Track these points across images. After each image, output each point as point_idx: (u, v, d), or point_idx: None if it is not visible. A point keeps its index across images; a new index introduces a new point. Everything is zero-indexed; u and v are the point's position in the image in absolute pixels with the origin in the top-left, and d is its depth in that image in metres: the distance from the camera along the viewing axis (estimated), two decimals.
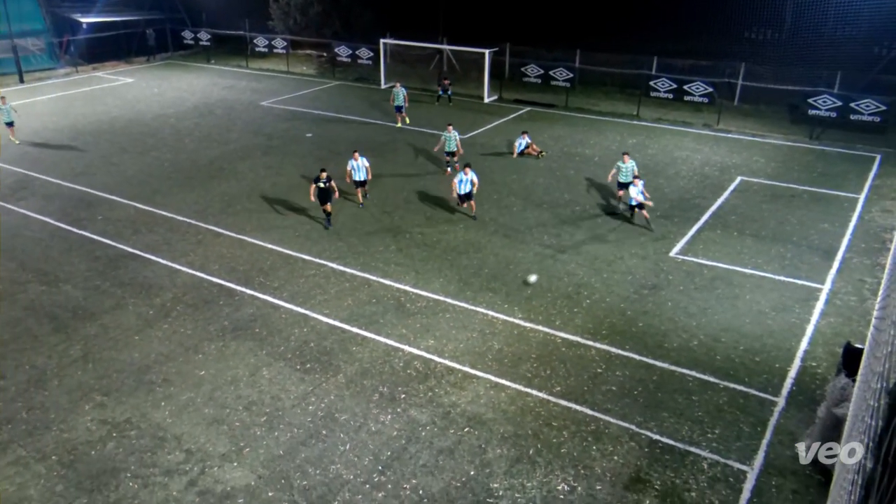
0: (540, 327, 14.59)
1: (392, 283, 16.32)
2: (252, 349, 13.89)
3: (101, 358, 13.63)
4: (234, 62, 44.92)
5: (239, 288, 16.18)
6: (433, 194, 21.79)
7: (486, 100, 34.53)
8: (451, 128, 23.18)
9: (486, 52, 34.02)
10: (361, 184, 20.68)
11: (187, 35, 48.26)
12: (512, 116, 31.54)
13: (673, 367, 13.30)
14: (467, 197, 19.77)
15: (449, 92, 34.04)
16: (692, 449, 11.27)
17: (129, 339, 14.27)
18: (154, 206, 20.97)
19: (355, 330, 14.51)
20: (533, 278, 16.37)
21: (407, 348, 13.86)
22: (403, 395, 12.52)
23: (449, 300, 15.66)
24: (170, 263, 17.34)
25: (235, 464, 10.95)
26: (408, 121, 29.80)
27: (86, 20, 44.49)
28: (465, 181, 19.49)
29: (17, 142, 26.48)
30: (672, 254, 17.88)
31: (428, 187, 22.41)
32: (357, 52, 40.71)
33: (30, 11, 42.83)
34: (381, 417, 11.96)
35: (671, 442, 11.41)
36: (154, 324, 14.80)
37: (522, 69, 35.96)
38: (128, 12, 47.51)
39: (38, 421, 11.91)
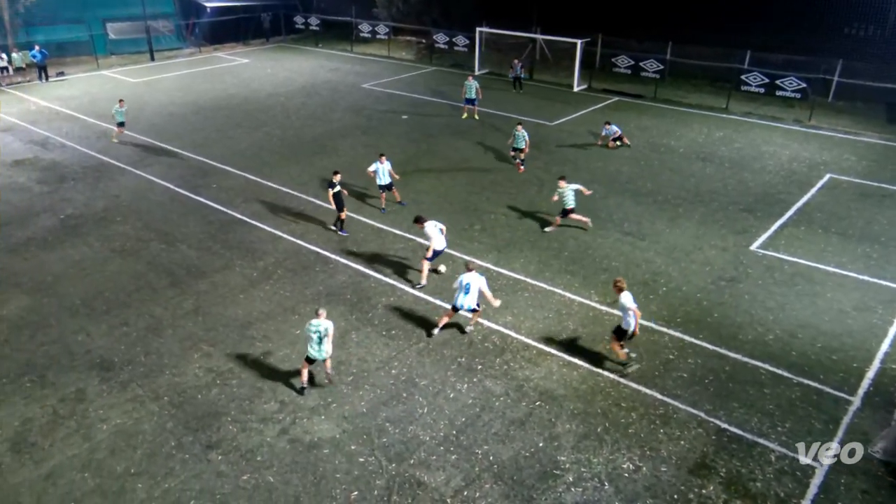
0: (615, 311, 14.32)
1: (474, 261, 16.35)
2: (343, 313, 14.26)
3: (210, 312, 14.33)
4: (340, 46, 45.68)
5: (334, 256, 16.60)
6: (518, 179, 21.61)
7: (576, 88, 33.82)
8: (520, 127, 22.00)
9: (579, 42, 33.25)
10: (387, 188, 18.90)
11: (299, 20, 49.40)
12: (599, 106, 30.78)
13: (746, 359, 12.79)
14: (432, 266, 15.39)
15: (522, 75, 33.56)
16: (760, 440, 10.84)
17: (235, 297, 14.92)
18: (262, 177, 21.72)
19: (438, 302, 14.64)
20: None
21: (486, 323, 13.89)
22: (480, 367, 12.58)
23: (528, 280, 15.56)
24: (273, 231, 17.96)
25: (323, 417, 11.32)
26: (476, 116, 28.22)
27: (210, 4, 46.23)
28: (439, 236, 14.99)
29: (116, 140, 25.31)
30: (753, 247, 17.10)
31: (513, 173, 22.23)
32: (454, 40, 40.61)
33: None
34: (458, 385, 12.08)
35: (739, 432, 11.01)
36: (257, 285, 15.41)
37: (613, 59, 34.94)
38: None
39: (154, 364, 12.66)
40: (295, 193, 20.42)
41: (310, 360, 11.78)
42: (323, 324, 11.40)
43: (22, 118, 28.82)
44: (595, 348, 13.07)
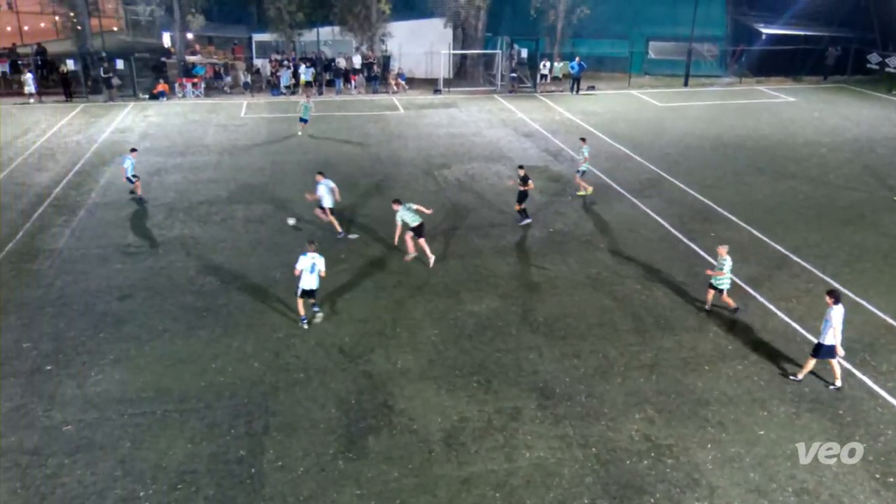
0: None
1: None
2: (825, 430, 12.76)
3: (666, 374, 14.42)
4: None
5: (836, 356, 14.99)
6: None
7: None
8: None
9: None
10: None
11: (873, 59, 45.92)
12: None
13: None
14: None
15: None
16: None
17: (699, 365, 14.71)
18: (770, 237, 20.90)
19: None
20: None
21: None
22: None
23: None
24: (766, 303, 17.12)
25: None
26: None
27: (767, 31, 46.38)
28: None
29: (583, 192, 24.17)
30: None
31: None
32: None
33: (715, 17, 46.92)
34: None
35: None
36: (728, 360, 14.90)
37: None
38: (813, 27, 47.60)
39: (592, 409, 13.32)
40: (806, 266, 19.08)
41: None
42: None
43: (544, 126, 33.60)
44: None
